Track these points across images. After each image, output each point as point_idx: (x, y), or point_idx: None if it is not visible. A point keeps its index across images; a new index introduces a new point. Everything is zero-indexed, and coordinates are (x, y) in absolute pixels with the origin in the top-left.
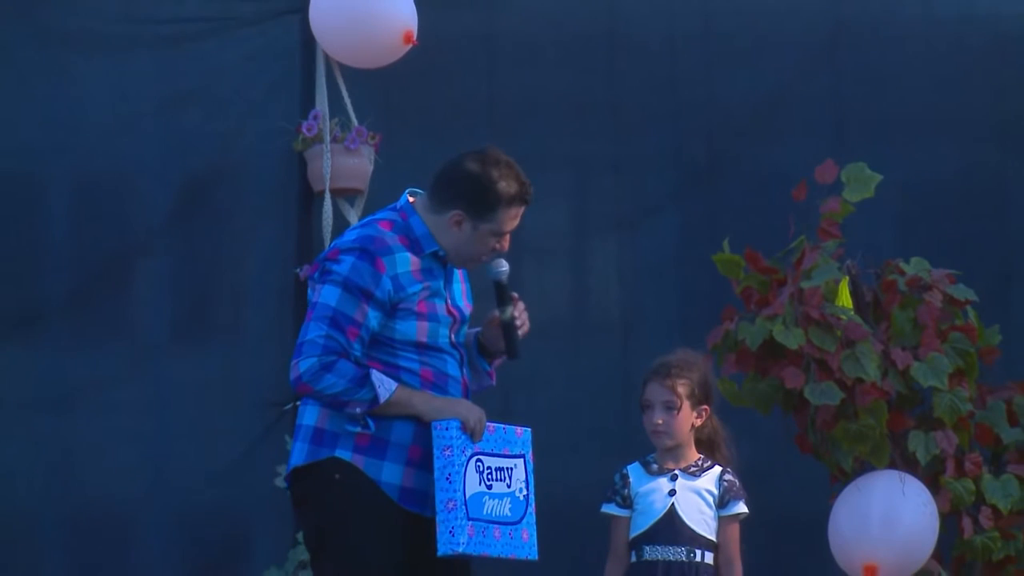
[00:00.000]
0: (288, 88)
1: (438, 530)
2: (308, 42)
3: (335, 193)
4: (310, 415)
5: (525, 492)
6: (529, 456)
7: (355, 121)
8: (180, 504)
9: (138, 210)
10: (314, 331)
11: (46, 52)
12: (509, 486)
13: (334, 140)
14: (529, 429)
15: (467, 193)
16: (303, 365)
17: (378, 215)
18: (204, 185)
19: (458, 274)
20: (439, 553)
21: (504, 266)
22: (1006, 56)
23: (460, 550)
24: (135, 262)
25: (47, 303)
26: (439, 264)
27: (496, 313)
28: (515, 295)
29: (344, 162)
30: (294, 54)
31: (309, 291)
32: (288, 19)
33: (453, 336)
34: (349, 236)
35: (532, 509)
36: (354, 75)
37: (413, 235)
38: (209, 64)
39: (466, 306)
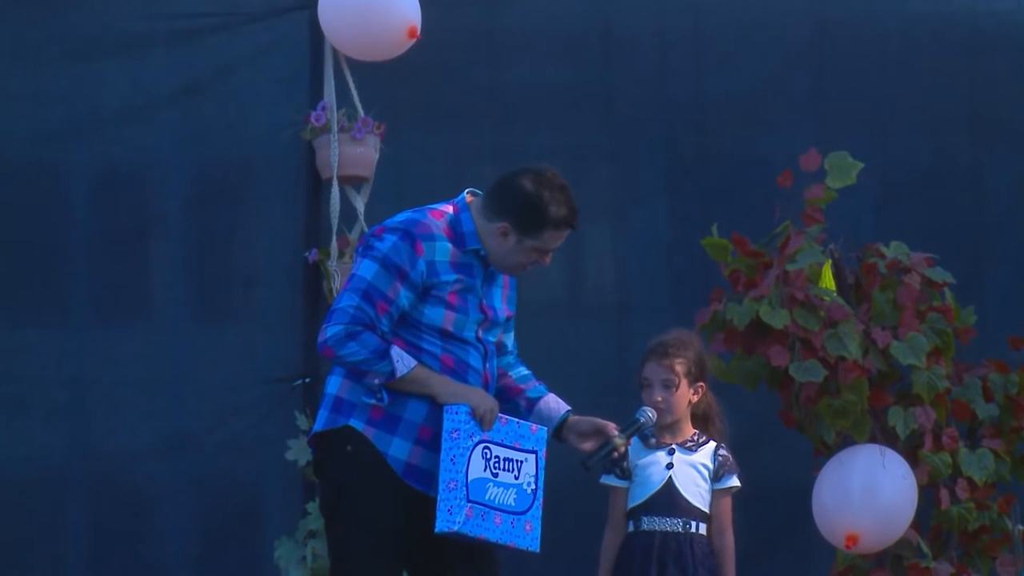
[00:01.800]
0: (297, 80)
1: (437, 508)
2: (316, 37)
3: (342, 180)
4: (333, 384)
5: (534, 487)
6: (542, 453)
7: (361, 112)
8: (194, 476)
9: (155, 196)
10: (346, 300)
11: (70, 48)
12: (517, 478)
13: (341, 130)
14: (545, 428)
15: (518, 209)
16: (330, 331)
17: (433, 205)
18: (218, 172)
19: (503, 278)
20: (436, 529)
21: (652, 421)
22: (979, 51)
23: (456, 528)
24: (152, 246)
25: (68, 285)
26: (480, 263)
27: (615, 435)
28: (627, 445)
29: (351, 151)
30: (303, 48)
31: (354, 264)
32: (297, 15)
33: (481, 332)
34: (398, 217)
35: (539, 504)
36: (360, 68)
37: (460, 230)
38: (222, 58)
39: (504, 309)
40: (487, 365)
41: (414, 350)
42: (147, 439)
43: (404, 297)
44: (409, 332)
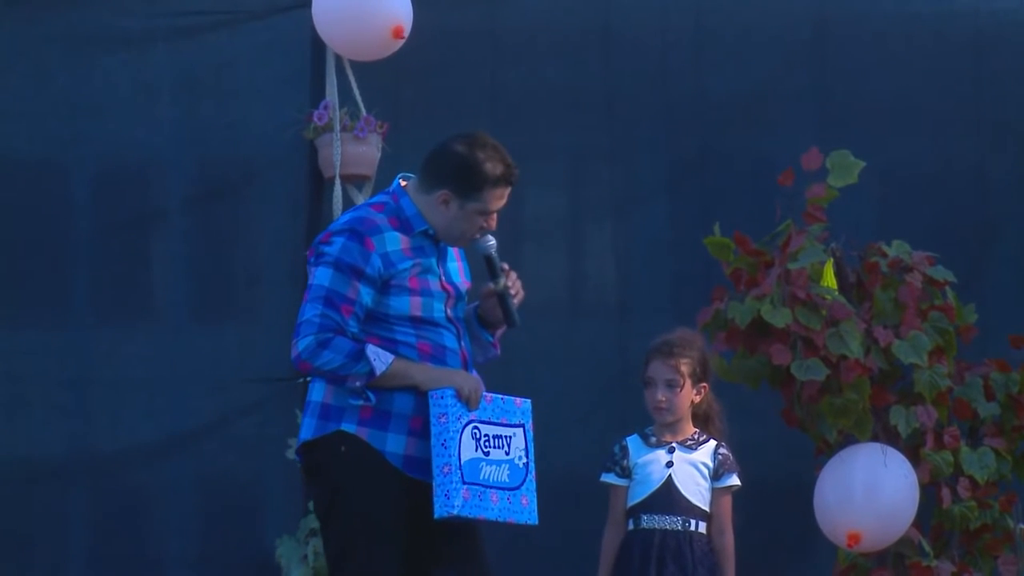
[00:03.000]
0: (300, 79)
1: (434, 493)
2: (318, 35)
3: (344, 179)
4: (317, 391)
5: (525, 460)
6: (529, 425)
7: (363, 111)
8: (195, 475)
9: (156, 195)
10: (310, 311)
11: (71, 48)
12: (508, 453)
13: (344, 129)
14: (529, 400)
15: (454, 173)
16: (301, 344)
17: (371, 199)
18: (220, 171)
19: (453, 252)
20: (435, 515)
21: (491, 241)
22: (982, 49)
23: (455, 512)
24: (153, 245)
25: (69, 284)
26: (431, 242)
27: (490, 285)
28: (505, 266)
29: (353, 149)
30: (305, 47)
31: (309, 275)
32: (298, 13)
33: (449, 311)
34: (341, 219)
35: (532, 476)
36: (363, 67)
37: (403, 215)
38: (224, 56)
39: (463, 282)
40: (462, 344)
41: (389, 343)
42: (148, 438)
43: (365, 294)
44: (380, 327)
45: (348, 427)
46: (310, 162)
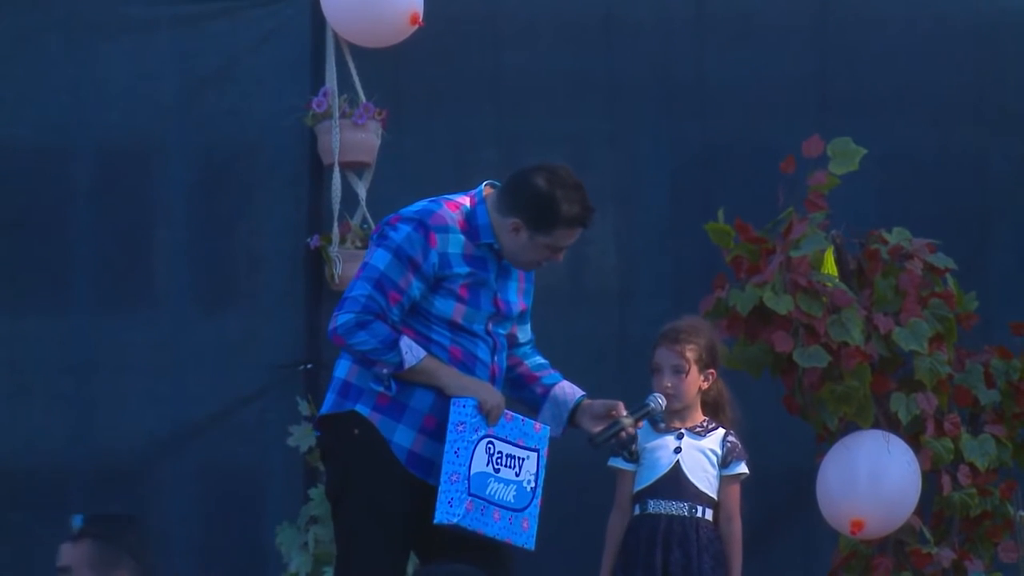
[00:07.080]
0: (299, 66)
1: (438, 499)
2: (318, 22)
3: (344, 166)
4: (341, 368)
5: (533, 485)
6: (544, 452)
7: (363, 97)
8: (197, 462)
9: (159, 183)
10: (359, 289)
11: (73, 35)
12: (518, 475)
13: (343, 116)
14: (548, 427)
15: (530, 207)
16: (341, 319)
17: (451, 195)
18: (221, 158)
19: (518, 271)
20: (435, 520)
21: (661, 407)
22: (984, 35)
23: (455, 521)
24: (156, 232)
25: (71, 271)
26: (494, 257)
27: (623, 415)
28: (635, 427)
29: (352, 136)
30: (305, 34)
31: (367, 250)
32: (299, 0)
33: (491, 325)
34: (414, 207)
35: (537, 502)
36: (362, 54)
37: (474, 222)
38: (225, 44)
39: (519, 303)
40: (495, 358)
41: (423, 340)
42: (150, 425)
43: (415, 288)
44: (419, 322)
45: (363, 410)
46: (311, 149)
